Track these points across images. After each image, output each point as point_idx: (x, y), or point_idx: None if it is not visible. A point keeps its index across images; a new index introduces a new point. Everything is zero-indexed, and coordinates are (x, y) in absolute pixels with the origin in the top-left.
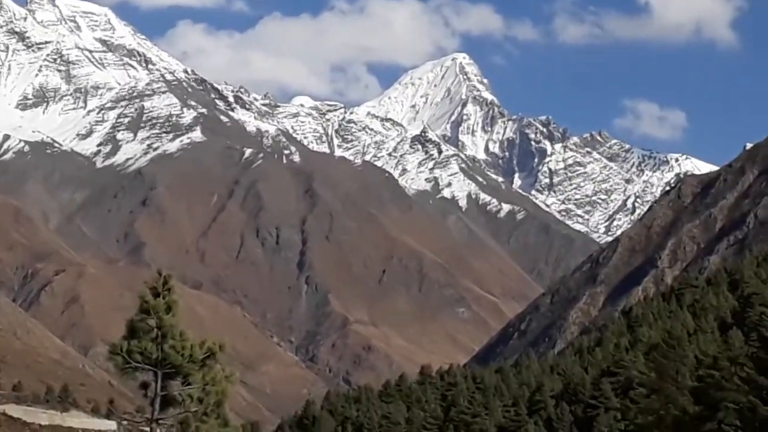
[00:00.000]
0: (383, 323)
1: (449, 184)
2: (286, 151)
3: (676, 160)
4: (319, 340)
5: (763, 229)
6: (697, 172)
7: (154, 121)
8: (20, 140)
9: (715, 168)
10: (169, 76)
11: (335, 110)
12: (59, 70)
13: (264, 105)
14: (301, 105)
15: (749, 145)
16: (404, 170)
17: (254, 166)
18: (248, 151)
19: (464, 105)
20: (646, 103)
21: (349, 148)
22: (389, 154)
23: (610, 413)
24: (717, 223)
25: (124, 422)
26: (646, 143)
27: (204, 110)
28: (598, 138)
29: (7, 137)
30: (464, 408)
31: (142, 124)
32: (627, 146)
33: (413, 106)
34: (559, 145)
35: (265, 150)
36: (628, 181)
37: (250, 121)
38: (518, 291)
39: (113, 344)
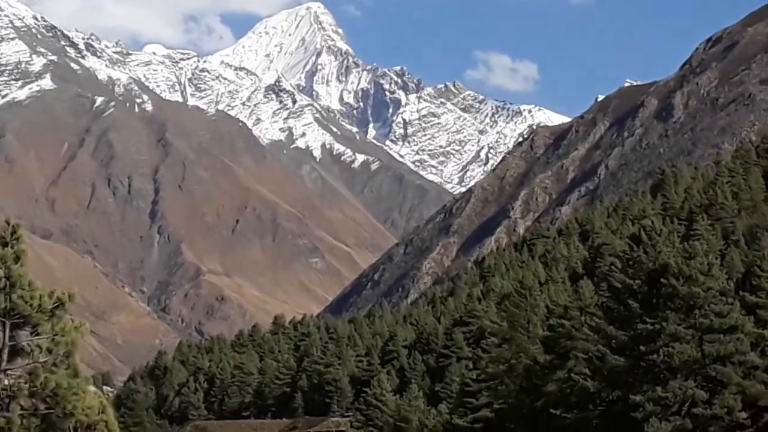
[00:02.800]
0: (236, 273)
1: (303, 134)
2: (138, 100)
3: (529, 111)
4: (172, 291)
5: (614, 180)
6: (549, 124)
7: (2, 68)
8: None
9: (567, 119)
10: (17, 22)
11: (188, 59)
12: None
13: (116, 53)
14: (154, 53)
15: (600, 97)
16: (258, 120)
17: (106, 115)
18: (99, 100)
19: (319, 55)
20: (498, 55)
21: (203, 98)
22: (243, 104)
23: (462, 362)
24: (569, 173)
25: None
26: (498, 95)
27: (54, 57)
28: (452, 89)
29: None
30: (317, 358)
31: None
32: (481, 97)
33: (267, 56)
34: (414, 95)
35: (117, 98)
36: (481, 131)
37: (101, 69)
38: (372, 241)
39: None
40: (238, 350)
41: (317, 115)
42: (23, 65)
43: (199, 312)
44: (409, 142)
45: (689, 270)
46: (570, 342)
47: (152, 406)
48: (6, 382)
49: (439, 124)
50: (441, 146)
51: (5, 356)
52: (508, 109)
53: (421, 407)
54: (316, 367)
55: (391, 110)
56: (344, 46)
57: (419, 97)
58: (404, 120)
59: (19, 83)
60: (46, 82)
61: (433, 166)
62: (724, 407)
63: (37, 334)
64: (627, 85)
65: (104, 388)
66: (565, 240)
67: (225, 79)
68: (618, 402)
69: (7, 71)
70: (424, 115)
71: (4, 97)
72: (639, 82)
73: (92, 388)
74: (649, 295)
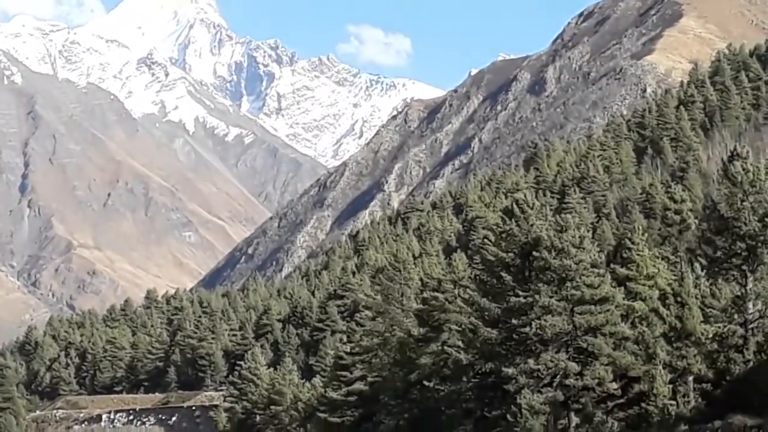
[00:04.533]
0: (108, 247)
1: (176, 108)
2: (7, 72)
3: (403, 84)
4: (42, 265)
5: (487, 154)
6: (423, 98)
7: None
8: None
9: (441, 93)
10: None
11: (59, 30)
12: None
13: None
14: (23, 25)
15: (474, 71)
16: (130, 93)
17: None
18: None
19: (191, 27)
20: (371, 29)
21: (74, 70)
22: (114, 77)
23: (336, 336)
24: (443, 147)
25: None
26: (372, 68)
27: None
28: (326, 62)
29: None
30: (190, 332)
31: None
32: (355, 70)
33: (139, 28)
34: (288, 68)
35: None
36: (355, 105)
37: None
38: (246, 215)
39: None
40: (110, 325)
41: (190, 88)
42: None
43: (71, 286)
44: (283, 116)
45: (561, 243)
46: (444, 315)
47: (23, 382)
48: None
49: (313, 97)
50: (315, 119)
51: None
52: (382, 83)
53: (295, 381)
54: (190, 342)
55: (264, 83)
56: (217, 19)
57: (293, 71)
58: (278, 93)
59: None
60: None
61: (307, 140)
62: (595, 378)
63: None
64: (500, 59)
65: None
66: (439, 213)
67: (96, 51)
68: (491, 374)
69: None
70: (298, 89)
71: None
72: (512, 57)
73: None
74: (521, 268)
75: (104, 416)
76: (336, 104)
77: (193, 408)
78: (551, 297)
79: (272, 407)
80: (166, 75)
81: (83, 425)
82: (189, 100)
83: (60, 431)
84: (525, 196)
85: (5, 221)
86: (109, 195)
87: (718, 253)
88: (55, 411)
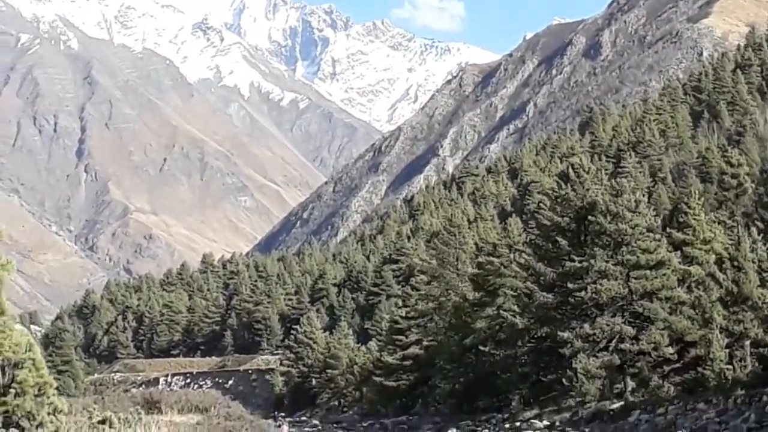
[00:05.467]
0: (164, 212)
1: (231, 72)
2: (64, 37)
3: (458, 49)
4: (99, 229)
5: (542, 118)
6: (478, 62)
7: None
8: None
9: (495, 57)
10: None
11: None
12: None
13: None
14: None
15: (529, 35)
16: (185, 58)
17: (30, 52)
18: (24, 37)
19: None
20: None
21: (129, 35)
22: (170, 42)
23: (391, 300)
24: (497, 111)
25: None
26: (426, 33)
27: None
28: (381, 26)
29: None
30: (247, 296)
31: None
32: (409, 35)
33: None
34: (342, 33)
35: (42, 35)
36: (410, 69)
37: (25, 6)
38: (301, 179)
39: None
40: (166, 289)
41: (245, 53)
42: None
43: (127, 251)
44: (337, 80)
45: (617, 207)
46: (499, 279)
47: (80, 345)
48: None
49: (367, 62)
50: (370, 84)
51: None
52: (436, 47)
53: (350, 345)
54: (246, 306)
55: (319, 48)
56: None
57: (348, 35)
58: (333, 58)
59: None
60: None
61: (362, 104)
62: (651, 343)
63: None
64: (555, 23)
65: (32, 327)
66: (494, 178)
67: (152, 16)
68: (546, 338)
69: None
70: (353, 53)
71: None
72: (567, 20)
73: (19, 326)
74: (577, 233)
75: (161, 379)
76: (390, 69)
77: (250, 372)
78: (607, 261)
79: (328, 371)
80: (221, 40)
81: (141, 388)
82: (244, 65)
83: (118, 394)
84: (580, 160)
85: (62, 186)
86: (165, 160)
87: None
88: (112, 374)
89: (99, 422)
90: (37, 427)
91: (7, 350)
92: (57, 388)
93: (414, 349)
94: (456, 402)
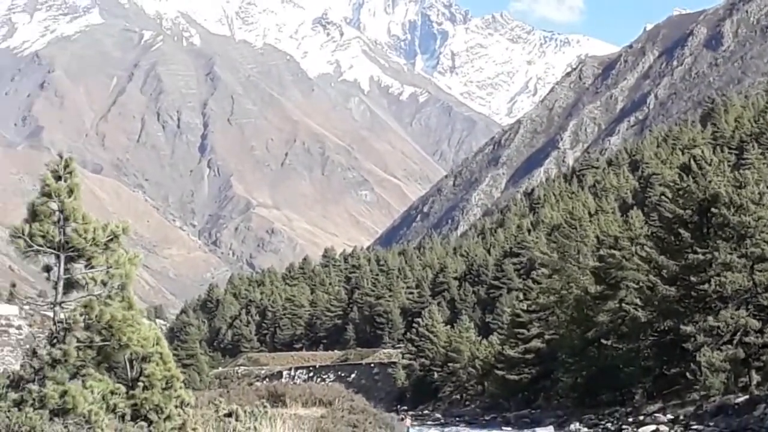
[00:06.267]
0: (286, 206)
1: (351, 67)
2: (186, 34)
3: (577, 41)
4: (222, 224)
5: (663, 110)
6: (597, 54)
7: (50, 3)
8: None
9: (615, 49)
10: None
11: None
12: None
13: None
14: None
15: (649, 26)
16: (305, 53)
17: (154, 49)
18: (147, 34)
19: None
20: None
21: (250, 31)
22: (290, 37)
23: (512, 293)
24: (618, 104)
25: (26, 306)
26: (544, 25)
27: None
28: (500, 19)
29: None
30: (368, 290)
31: (39, 6)
32: (528, 27)
33: None
34: (461, 26)
35: (165, 32)
36: (529, 62)
37: (148, 3)
38: (421, 173)
39: (15, 227)
40: (289, 283)
41: (365, 48)
42: (71, 0)
43: (250, 245)
44: (457, 74)
45: (740, 199)
46: (621, 272)
47: (205, 339)
48: (62, 315)
49: (486, 55)
50: (489, 77)
51: (60, 289)
52: (555, 40)
53: (472, 338)
54: (367, 299)
55: (438, 42)
56: None
57: (467, 28)
58: (452, 51)
59: (68, 18)
60: (94, 17)
61: (481, 98)
62: None
63: (92, 267)
64: (675, 13)
65: (157, 321)
66: (614, 170)
67: (272, 12)
68: (669, 332)
69: (55, 6)
70: (472, 47)
71: (52, 32)
72: (688, 11)
73: (146, 320)
74: (699, 225)
75: (285, 373)
76: (510, 62)
77: (372, 365)
78: (730, 254)
79: (450, 364)
80: (341, 35)
81: (264, 381)
82: (364, 59)
83: (243, 387)
84: (702, 152)
85: (186, 181)
86: (286, 155)
87: None
88: (236, 367)
89: (225, 415)
90: (165, 420)
91: (135, 344)
92: (183, 382)
93: (536, 343)
94: (578, 396)
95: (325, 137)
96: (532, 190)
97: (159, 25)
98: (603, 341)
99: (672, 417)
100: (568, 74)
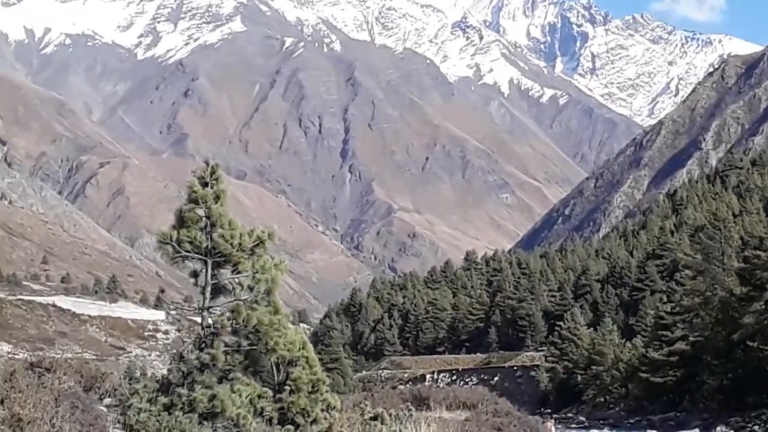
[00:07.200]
0: (427, 210)
1: (491, 70)
2: (327, 40)
3: (719, 41)
4: (364, 228)
5: None
6: (739, 53)
7: (194, 12)
8: (61, 33)
9: (758, 48)
10: None
11: None
12: None
13: None
14: None
15: None
16: (445, 57)
17: (295, 56)
18: (288, 41)
19: None
20: None
21: (390, 36)
22: (430, 41)
23: (655, 296)
24: (761, 103)
25: (172, 312)
26: (685, 25)
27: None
28: (640, 20)
29: (48, 30)
30: (510, 293)
31: (182, 15)
32: (669, 28)
33: None
34: (601, 28)
35: (306, 39)
36: (671, 63)
37: (289, 10)
38: (562, 175)
39: (163, 233)
40: (431, 286)
41: (504, 51)
42: (214, 8)
43: (392, 249)
44: (597, 75)
45: None
46: (766, 273)
47: (348, 343)
48: (209, 320)
49: (627, 56)
50: (630, 78)
51: (208, 294)
52: (697, 40)
53: (615, 341)
54: (509, 302)
55: (578, 44)
56: None
57: (607, 30)
58: (592, 53)
59: (210, 26)
60: (237, 25)
61: (622, 99)
62: None
63: (238, 272)
64: None
65: (301, 325)
66: (759, 170)
67: (412, 16)
68: None
69: (198, 14)
70: (612, 48)
71: (196, 40)
72: None
73: (291, 325)
74: None
75: (428, 376)
76: (651, 62)
77: (515, 368)
78: None
79: (593, 367)
80: (481, 38)
81: (408, 385)
82: (503, 62)
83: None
84: None
85: (328, 186)
86: (426, 159)
87: None
88: (380, 371)
89: (371, 418)
90: (311, 423)
91: (282, 348)
92: (328, 386)
93: (680, 345)
94: (724, 398)
95: (466, 141)
96: (675, 191)
97: (300, 31)
98: (749, 343)
99: None
100: (711, 74)
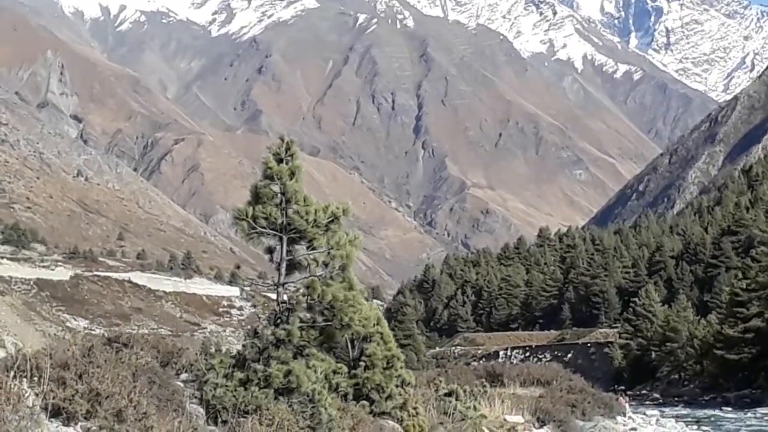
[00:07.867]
0: (500, 186)
1: (564, 46)
2: (400, 16)
3: None
4: (437, 205)
5: None
6: None
7: None
8: (136, 10)
9: None
10: None
11: None
12: None
13: None
14: None
15: None
16: (519, 32)
17: (368, 32)
18: (362, 17)
19: None
20: None
21: (463, 12)
22: (503, 17)
23: (731, 272)
24: None
25: (247, 288)
26: (762, 0)
27: None
28: None
29: (123, 7)
30: (583, 270)
31: None
32: (745, 2)
33: None
34: (676, 2)
35: (379, 15)
36: (746, 38)
37: None
38: (636, 152)
39: (239, 210)
40: (504, 263)
41: (578, 26)
42: None
43: (465, 226)
44: (671, 51)
45: None
46: None
47: (421, 319)
48: (284, 296)
49: (702, 31)
50: (705, 54)
51: (283, 270)
52: None
53: (690, 318)
54: (583, 279)
55: (653, 18)
56: None
57: (681, 5)
58: (666, 28)
59: (284, 3)
60: (310, 1)
61: (697, 74)
62: None
63: (313, 248)
64: None
65: (375, 301)
66: None
67: None
68: None
69: None
70: (687, 23)
71: (269, 17)
72: None
73: (365, 301)
74: None
75: (501, 353)
76: (726, 37)
77: (588, 345)
78: None
79: (667, 344)
80: (554, 13)
81: (481, 361)
82: (577, 38)
83: (460, 367)
84: None
85: (401, 162)
86: (500, 135)
87: None
88: (453, 347)
89: (445, 394)
90: (386, 399)
91: (357, 324)
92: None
93: (756, 322)
94: None
95: (539, 117)
96: (750, 167)
97: (373, 8)
98: None
99: None
100: None
